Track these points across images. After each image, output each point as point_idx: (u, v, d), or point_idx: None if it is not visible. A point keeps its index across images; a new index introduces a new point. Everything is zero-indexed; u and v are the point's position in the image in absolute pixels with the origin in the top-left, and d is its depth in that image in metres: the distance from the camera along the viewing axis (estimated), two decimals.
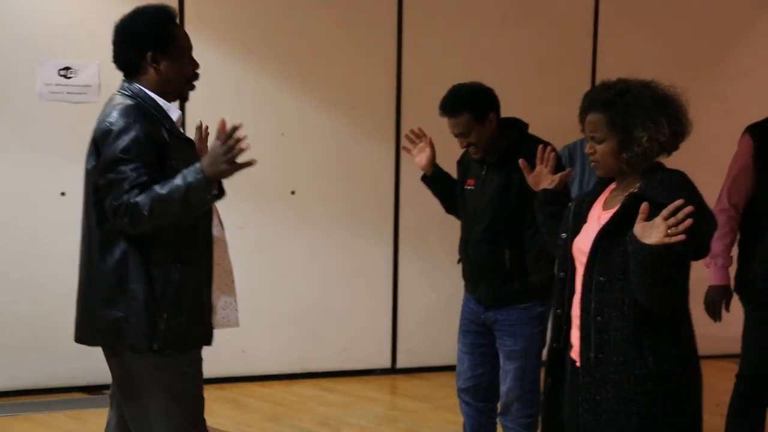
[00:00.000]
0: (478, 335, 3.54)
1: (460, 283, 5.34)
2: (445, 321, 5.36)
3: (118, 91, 2.67)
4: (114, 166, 2.51)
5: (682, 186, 2.32)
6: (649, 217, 2.23)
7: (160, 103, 2.66)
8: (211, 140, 2.63)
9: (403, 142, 3.76)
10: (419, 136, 3.64)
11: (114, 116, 2.55)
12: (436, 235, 5.24)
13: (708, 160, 5.45)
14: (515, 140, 3.37)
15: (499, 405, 3.52)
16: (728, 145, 5.61)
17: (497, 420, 3.57)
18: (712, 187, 5.40)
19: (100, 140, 2.56)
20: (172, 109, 2.69)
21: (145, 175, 2.51)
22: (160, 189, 2.48)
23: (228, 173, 2.53)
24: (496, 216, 3.36)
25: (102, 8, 4.73)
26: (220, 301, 2.91)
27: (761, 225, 3.58)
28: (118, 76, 2.72)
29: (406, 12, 5.25)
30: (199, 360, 2.75)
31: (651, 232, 2.20)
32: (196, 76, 2.74)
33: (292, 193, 5.18)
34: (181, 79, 2.69)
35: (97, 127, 2.60)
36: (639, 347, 2.33)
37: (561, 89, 5.15)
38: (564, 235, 2.59)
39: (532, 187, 2.99)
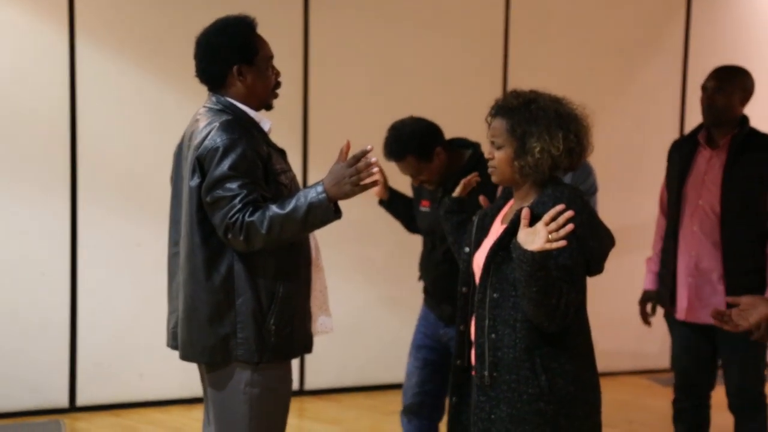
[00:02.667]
0: (431, 351, 3.50)
1: (368, 299, 5.27)
2: (354, 340, 5.23)
3: (207, 106, 2.69)
4: (222, 183, 2.52)
5: (572, 201, 2.30)
6: None
7: (252, 115, 2.69)
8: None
9: None
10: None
11: (218, 132, 2.56)
12: (345, 247, 5.09)
13: (618, 172, 5.50)
14: (471, 163, 3.35)
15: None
16: (638, 157, 5.69)
17: None
18: (621, 198, 5.48)
19: (206, 157, 2.55)
20: (264, 120, 2.72)
21: (255, 191, 2.53)
22: (279, 208, 2.51)
23: (351, 195, 2.54)
24: None
25: None
26: (316, 309, 2.85)
27: (667, 233, 3.71)
28: None
29: (312, 22, 5.12)
30: (291, 377, 2.80)
31: (533, 238, 2.20)
32: (279, 85, 2.76)
33: None
34: (266, 89, 2.71)
35: (199, 144, 2.58)
36: (532, 365, 2.32)
37: (472, 101, 5.07)
38: (467, 249, 2.57)
39: None
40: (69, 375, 4.81)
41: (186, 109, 4.90)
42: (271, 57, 2.74)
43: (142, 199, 4.87)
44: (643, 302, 3.80)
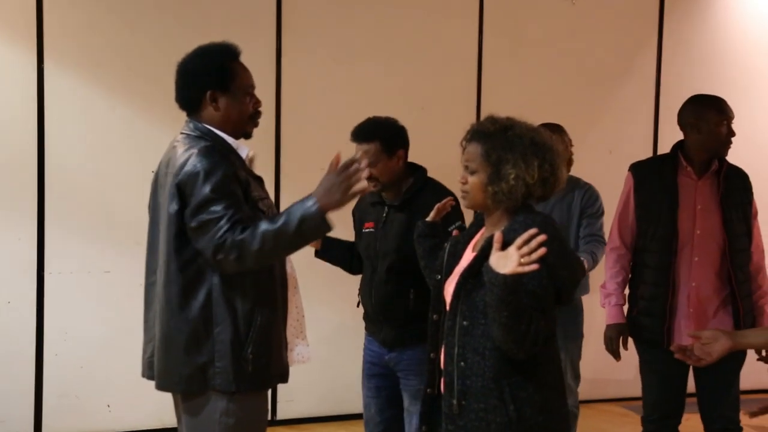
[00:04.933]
0: (382, 378, 3.47)
1: (343, 329, 5.21)
2: (328, 367, 5.15)
3: (184, 132, 2.68)
4: (207, 207, 2.50)
5: (544, 229, 2.26)
6: None
7: (229, 141, 2.68)
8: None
9: None
10: None
11: (198, 158, 2.55)
12: (319, 271, 5.02)
13: None
14: (418, 183, 3.42)
15: None
16: (612, 184, 5.66)
17: None
18: None
19: (187, 183, 2.53)
20: (241, 147, 2.71)
21: (241, 211, 2.52)
22: (270, 224, 2.49)
23: (343, 202, 2.54)
24: (400, 256, 3.34)
25: None
26: (293, 338, 2.83)
27: (642, 261, 3.65)
28: None
29: (284, 45, 5.11)
30: (267, 408, 2.79)
31: (505, 261, 2.17)
32: (258, 114, 2.76)
33: None
34: (241, 116, 2.70)
35: (179, 170, 2.56)
36: (500, 394, 2.30)
37: (446, 127, 5.06)
38: (438, 276, 2.54)
39: None
40: (34, 405, 4.70)
41: (156, 134, 4.87)
42: (249, 85, 2.74)
43: (110, 225, 4.80)
44: (615, 337, 3.66)
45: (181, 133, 2.70)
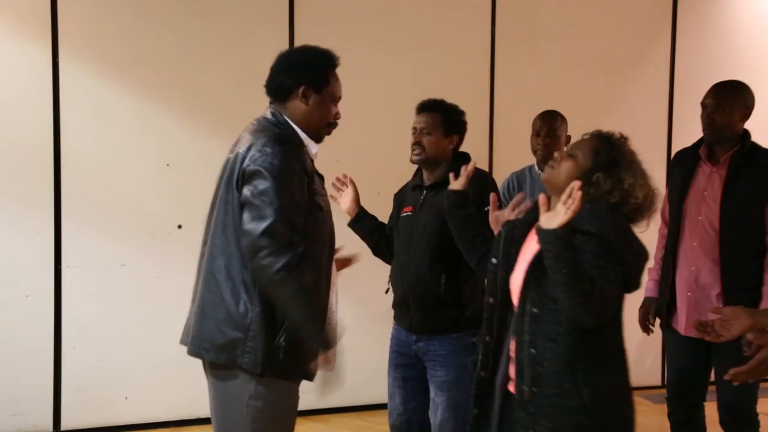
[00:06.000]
0: (408, 368, 3.47)
1: (357, 317, 5.22)
2: (343, 358, 5.16)
3: (264, 117, 2.75)
4: (263, 197, 2.55)
5: (609, 215, 2.33)
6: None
7: (302, 136, 2.76)
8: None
9: (330, 190, 3.65)
10: (343, 182, 3.68)
11: (270, 144, 2.60)
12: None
13: None
14: (458, 166, 3.39)
15: None
16: None
17: None
18: None
19: (254, 163, 2.58)
20: (312, 144, 2.79)
21: (294, 214, 2.57)
22: (305, 295, 2.60)
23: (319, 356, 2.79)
24: (435, 237, 3.34)
25: None
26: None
27: (666, 247, 3.70)
28: None
29: (297, 36, 5.10)
30: (297, 394, 2.82)
31: (554, 218, 2.24)
32: (335, 125, 2.85)
33: (179, 227, 4.91)
34: (321, 120, 2.79)
35: (246, 152, 2.62)
36: (574, 378, 2.32)
37: None
38: (494, 260, 2.58)
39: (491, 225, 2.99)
40: (53, 398, 4.74)
41: (171, 127, 4.89)
42: (338, 96, 2.84)
43: (126, 219, 4.83)
44: (645, 309, 3.75)
45: (259, 119, 2.76)
